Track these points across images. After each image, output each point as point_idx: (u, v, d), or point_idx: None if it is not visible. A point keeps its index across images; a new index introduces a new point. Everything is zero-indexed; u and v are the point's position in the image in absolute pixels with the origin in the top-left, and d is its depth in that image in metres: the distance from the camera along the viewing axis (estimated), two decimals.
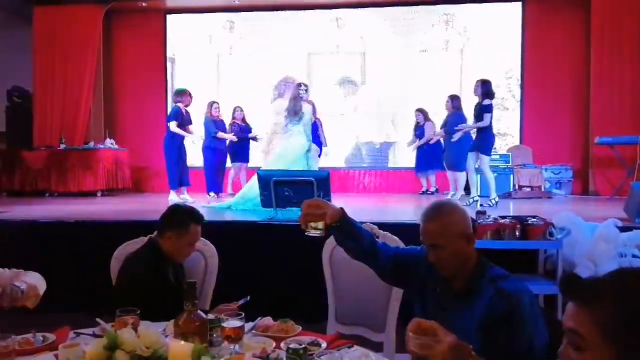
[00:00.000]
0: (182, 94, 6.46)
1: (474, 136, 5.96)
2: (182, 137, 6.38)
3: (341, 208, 1.68)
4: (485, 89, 5.63)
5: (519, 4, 8.28)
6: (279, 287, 3.76)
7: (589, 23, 7.64)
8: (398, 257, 1.75)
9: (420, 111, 7.67)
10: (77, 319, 1.85)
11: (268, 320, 1.75)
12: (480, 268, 1.56)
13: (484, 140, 5.65)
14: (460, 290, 1.56)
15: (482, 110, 5.59)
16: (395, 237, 2.46)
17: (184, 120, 6.36)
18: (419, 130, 7.63)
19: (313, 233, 1.64)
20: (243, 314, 1.49)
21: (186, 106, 6.42)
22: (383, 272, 1.78)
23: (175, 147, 6.31)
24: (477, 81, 5.76)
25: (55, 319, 1.89)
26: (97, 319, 1.69)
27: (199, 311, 1.42)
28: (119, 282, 2.11)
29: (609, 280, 0.81)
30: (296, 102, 5.78)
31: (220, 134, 7.16)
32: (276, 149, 5.95)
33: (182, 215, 2.12)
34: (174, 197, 6.19)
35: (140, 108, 8.76)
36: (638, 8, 7.28)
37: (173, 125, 6.23)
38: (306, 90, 5.91)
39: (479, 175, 6.21)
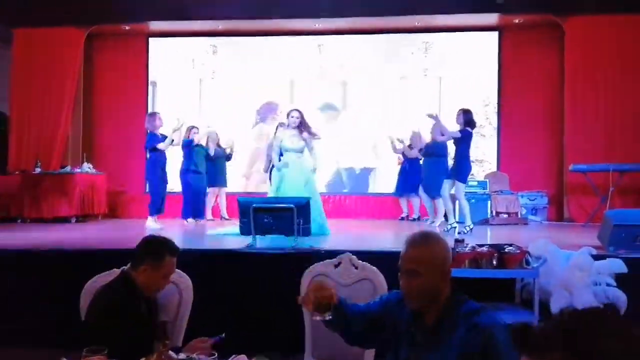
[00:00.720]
0: (151, 118, 6.33)
1: (451, 163, 6.05)
2: (165, 162, 6.27)
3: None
4: (466, 118, 5.74)
5: (496, 33, 8.54)
6: (257, 317, 3.70)
7: (563, 53, 7.91)
8: (369, 310, 1.73)
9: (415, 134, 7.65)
10: (42, 356, 1.78)
11: (242, 358, 1.71)
12: (454, 303, 1.56)
13: (461, 167, 5.72)
14: (434, 326, 1.56)
15: (461, 134, 5.67)
16: (374, 267, 2.46)
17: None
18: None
19: (322, 317, 1.59)
20: (216, 353, 1.45)
21: (159, 128, 6.27)
22: (357, 336, 1.75)
23: (159, 172, 6.21)
24: (459, 110, 5.86)
25: (19, 355, 1.82)
26: (63, 359, 1.63)
27: (170, 352, 1.38)
28: (89, 317, 2.04)
29: (555, 327, 0.82)
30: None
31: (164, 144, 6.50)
32: None
33: (156, 247, 2.08)
34: (152, 224, 6.06)
35: (120, 131, 8.68)
36: (610, 40, 7.56)
37: (162, 145, 6.12)
38: (289, 116, 5.81)
39: (456, 201, 6.28)
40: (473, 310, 1.54)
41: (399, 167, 7.93)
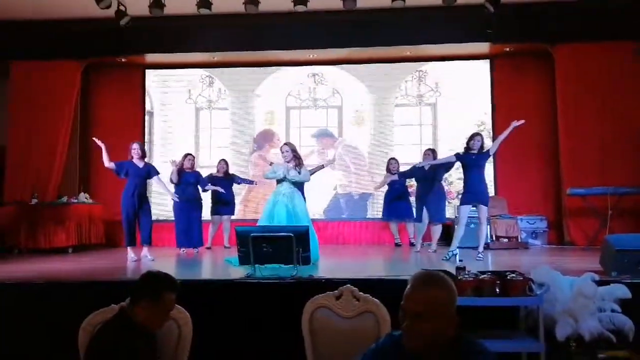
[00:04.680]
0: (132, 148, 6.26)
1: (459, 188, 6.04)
2: (134, 190, 6.04)
3: None
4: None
5: (487, 61, 8.67)
6: (257, 349, 3.62)
7: (554, 79, 7.99)
8: None
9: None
10: None
11: None
12: (457, 346, 1.51)
13: (485, 191, 5.75)
14: None
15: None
16: (376, 300, 2.42)
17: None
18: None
19: None
20: None
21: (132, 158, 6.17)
22: None
23: (126, 200, 5.97)
24: (477, 135, 6.05)
25: None
26: None
27: None
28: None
29: None
30: None
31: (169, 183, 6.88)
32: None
33: (155, 284, 2.03)
34: (129, 255, 5.90)
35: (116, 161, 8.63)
36: (598, 65, 7.65)
37: (110, 166, 6.06)
38: (285, 151, 5.77)
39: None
40: (475, 351, 1.51)
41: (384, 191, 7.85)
